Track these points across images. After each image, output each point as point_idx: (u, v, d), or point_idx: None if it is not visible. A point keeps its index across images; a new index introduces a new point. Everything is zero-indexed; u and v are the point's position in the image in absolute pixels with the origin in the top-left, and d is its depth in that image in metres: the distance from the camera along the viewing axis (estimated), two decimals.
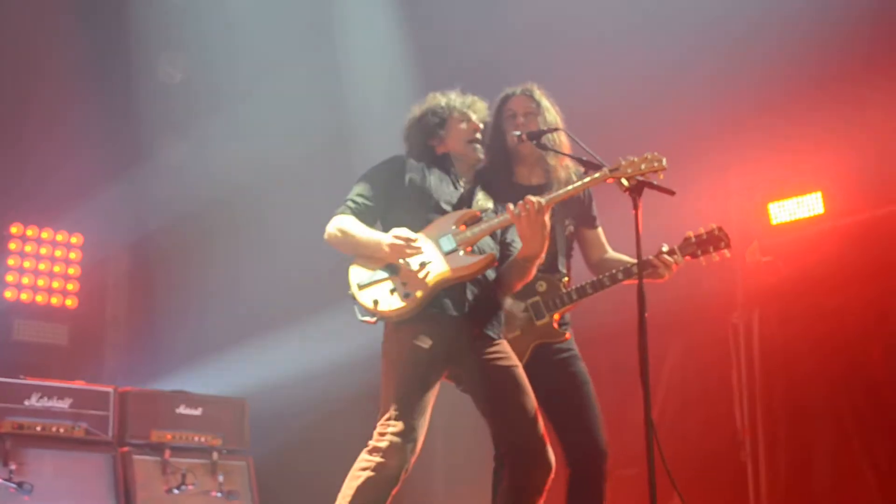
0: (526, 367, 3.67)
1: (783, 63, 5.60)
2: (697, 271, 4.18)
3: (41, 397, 5.38)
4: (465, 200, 3.81)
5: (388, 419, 3.34)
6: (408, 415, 3.35)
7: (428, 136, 3.83)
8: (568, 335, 3.95)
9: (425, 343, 3.48)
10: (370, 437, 3.41)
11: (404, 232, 3.61)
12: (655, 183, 3.37)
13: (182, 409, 5.77)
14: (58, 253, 6.54)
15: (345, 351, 5.95)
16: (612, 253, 4.12)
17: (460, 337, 3.54)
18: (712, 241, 3.88)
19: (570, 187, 3.55)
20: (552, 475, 3.50)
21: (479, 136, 3.89)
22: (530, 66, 6.36)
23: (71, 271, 6.57)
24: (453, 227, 3.70)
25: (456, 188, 3.85)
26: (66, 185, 6.39)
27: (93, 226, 6.58)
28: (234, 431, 5.92)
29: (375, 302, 3.56)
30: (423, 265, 3.58)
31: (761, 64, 5.69)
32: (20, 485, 5.08)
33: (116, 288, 6.92)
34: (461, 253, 3.62)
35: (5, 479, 5.05)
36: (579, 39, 6.09)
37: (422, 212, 3.75)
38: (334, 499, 3.44)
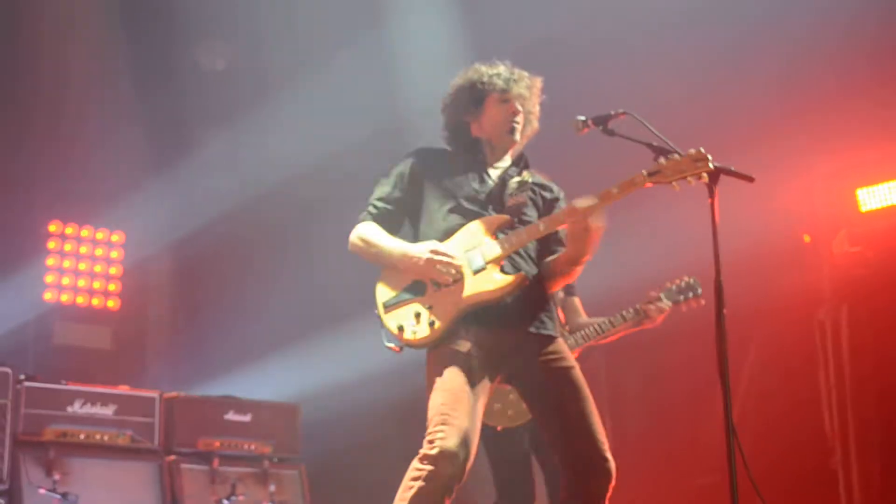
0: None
1: (871, 42, 5.58)
2: (779, 265, 4.21)
3: (84, 403, 5.57)
4: (495, 198, 3.75)
5: (436, 426, 3.36)
6: (455, 421, 3.37)
7: (462, 114, 3.80)
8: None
9: (464, 347, 3.51)
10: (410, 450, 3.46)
11: (443, 247, 3.62)
12: (733, 169, 3.33)
13: (231, 416, 5.94)
14: (99, 252, 6.77)
15: (398, 354, 6.03)
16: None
17: (506, 339, 3.57)
18: (688, 289, 4.70)
19: (613, 189, 3.52)
20: (613, 483, 3.51)
21: (518, 121, 3.81)
22: (598, 46, 6.44)
23: (113, 271, 6.80)
24: (484, 238, 3.68)
25: (483, 181, 3.78)
26: (107, 181, 6.61)
27: (135, 223, 6.80)
28: (285, 438, 6.07)
29: (400, 328, 3.60)
30: (451, 288, 3.59)
31: (848, 43, 5.65)
32: (65, 496, 5.25)
33: (159, 288, 7.14)
34: (492, 273, 3.60)
35: (49, 490, 5.23)
36: (652, 17, 6.13)
37: (440, 214, 3.74)
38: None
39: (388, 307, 3.65)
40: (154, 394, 5.74)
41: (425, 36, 6.91)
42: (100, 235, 6.74)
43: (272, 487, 5.82)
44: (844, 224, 5.91)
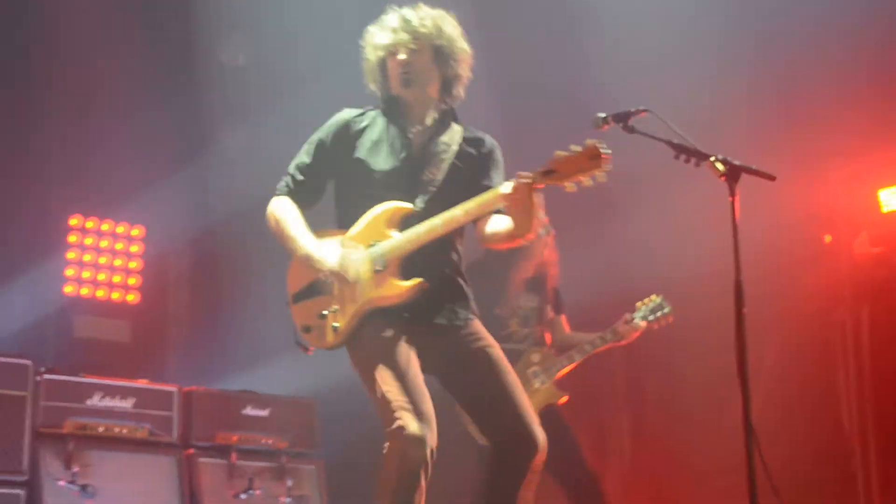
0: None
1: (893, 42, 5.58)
2: (799, 265, 4.22)
3: (104, 397, 5.63)
4: (412, 170, 3.65)
5: (390, 418, 3.33)
6: (405, 403, 3.35)
7: (377, 85, 3.79)
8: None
9: (388, 332, 3.49)
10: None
11: (341, 250, 3.58)
12: (754, 168, 3.34)
13: (249, 410, 5.99)
14: (119, 246, 6.81)
15: None
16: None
17: (415, 333, 3.55)
18: (657, 308, 5.17)
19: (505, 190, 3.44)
20: (541, 455, 3.53)
21: (407, 70, 3.68)
22: (620, 43, 6.47)
23: (132, 265, 6.83)
24: (388, 231, 3.62)
25: (400, 149, 3.68)
26: (127, 175, 6.67)
27: (155, 218, 6.86)
28: (303, 433, 6.12)
29: (306, 329, 3.63)
30: (352, 288, 3.57)
31: (874, 43, 5.70)
32: (84, 487, 5.33)
33: (179, 282, 7.19)
34: (389, 277, 3.56)
35: (69, 482, 5.30)
36: (678, 15, 6.16)
37: (352, 194, 3.68)
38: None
39: (297, 300, 3.67)
40: (173, 388, 5.79)
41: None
42: (120, 229, 6.79)
43: (290, 482, 5.86)
44: (866, 225, 5.92)
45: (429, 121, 3.74)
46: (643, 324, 5.15)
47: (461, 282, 3.71)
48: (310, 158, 3.73)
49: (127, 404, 5.67)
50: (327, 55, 7.03)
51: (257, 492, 5.68)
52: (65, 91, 6.70)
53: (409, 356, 3.47)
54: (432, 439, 3.33)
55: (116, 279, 6.76)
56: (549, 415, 4.93)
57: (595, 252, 6.20)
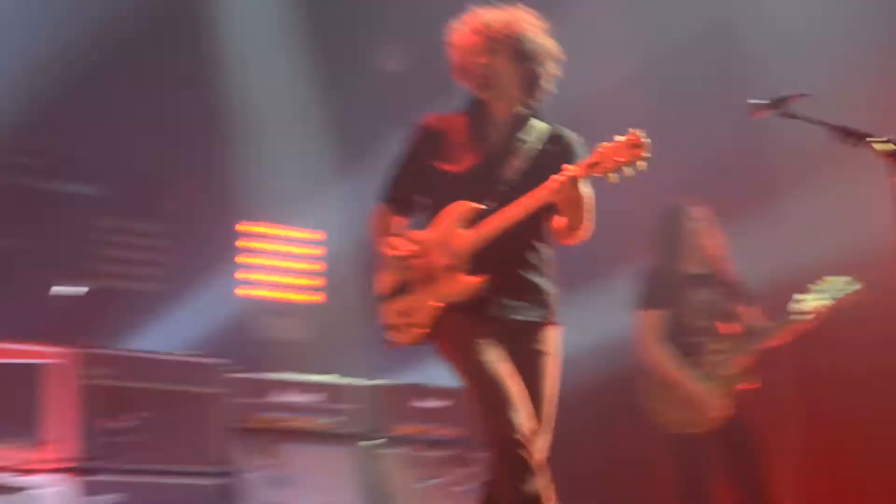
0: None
1: None
2: None
3: (288, 392, 6.13)
4: (493, 164, 3.80)
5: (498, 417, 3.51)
6: (501, 411, 3.54)
7: (455, 80, 3.93)
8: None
9: (463, 329, 3.70)
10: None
11: (399, 240, 3.78)
12: None
13: (430, 402, 6.41)
14: (297, 249, 7.61)
15: (596, 336, 6.43)
16: None
17: (489, 328, 3.72)
18: (845, 286, 5.30)
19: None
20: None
21: (477, 72, 3.80)
22: (768, 27, 6.57)
23: (314, 267, 7.65)
24: (457, 229, 3.79)
25: (481, 148, 3.83)
26: (303, 181, 7.30)
27: (331, 221, 7.52)
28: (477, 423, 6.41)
29: (391, 327, 3.86)
30: (427, 287, 3.77)
31: None
32: (275, 479, 5.80)
33: (356, 282, 7.65)
34: (457, 273, 3.74)
35: (260, 475, 5.81)
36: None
37: (438, 191, 3.85)
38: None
39: (385, 301, 3.89)
40: (353, 381, 6.26)
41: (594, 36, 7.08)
42: (298, 234, 7.50)
43: (468, 471, 6.20)
44: None
45: (508, 120, 3.88)
46: (827, 303, 5.26)
47: (535, 280, 3.84)
48: (400, 169, 3.95)
49: (310, 399, 6.14)
50: None
51: (439, 480, 6.07)
52: (237, 105, 7.37)
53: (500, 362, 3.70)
54: (529, 446, 3.60)
55: (296, 281, 7.42)
56: (738, 430, 5.37)
57: (761, 240, 6.32)
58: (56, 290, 6.48)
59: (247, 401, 6.12)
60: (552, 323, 3.85)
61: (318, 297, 7.35)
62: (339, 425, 6.08)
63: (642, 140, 3.44)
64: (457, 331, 3.73)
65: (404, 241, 3.85)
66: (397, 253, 3.82)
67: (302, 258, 7.45)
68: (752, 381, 5.46)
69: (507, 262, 3.79)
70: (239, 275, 7.60)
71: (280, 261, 7.48)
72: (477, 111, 3.90)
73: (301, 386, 6.17)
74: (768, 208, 6.52)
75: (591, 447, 6.96)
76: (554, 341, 3.87)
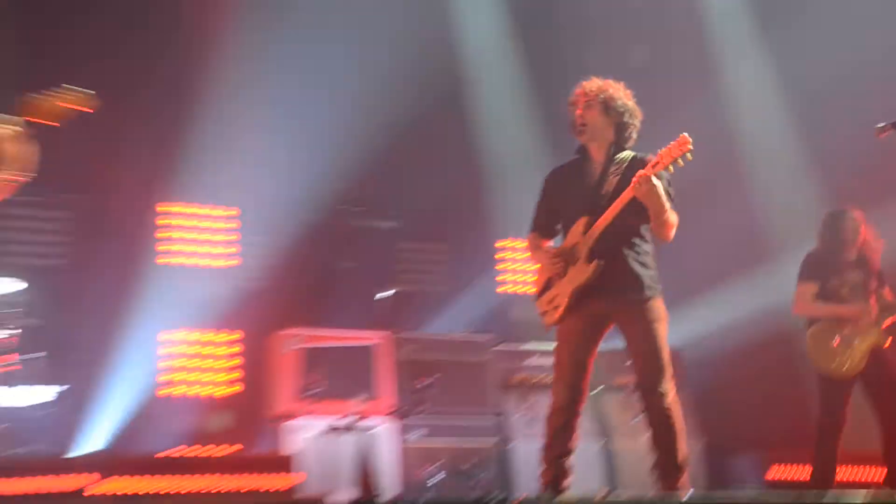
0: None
1: None
2: None
3: (539, 357, 6.99)
4: (596, 188, 4.25)
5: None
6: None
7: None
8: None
9: (583, 308, 4.32)
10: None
11: (550, 251, 4.35)
12: None
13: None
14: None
15: (758, 303, 6.75)
16: None
17: (605, 305, 4.29)
18: None
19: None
20: (667, 399, 4.21)
21: (574, 122, 4.27)
22: None
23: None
24: (579, 236, 4.28)
25: (586, 182, 4.29)
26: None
27: None
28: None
29: (544, 313, 4.40)
30: (563, 279, 4.27)
31: None
32: (532, 419, 6.69)
33: None
34: (582, 264, 4.23)
35: (521, 415, 6.81)
36: None
37: (565, 216, 4.37)
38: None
39: (538, 295, 4.48)
40: None
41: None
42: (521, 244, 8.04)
43: None
44: None
45: (605, 157, 4.36)
46: None
47: (637, 265, 4.30)
48: (537, 209, 4.57)
49: (553, 360, 6.58)
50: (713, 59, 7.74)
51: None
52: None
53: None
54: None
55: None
56: (880, 375, 5.68)
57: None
58: (378, 295, 7.02)
59: (508, 364, 6.97)
60: (651, 298, 4.29)
61: None
62: None
63: (688, 140, 4.01)
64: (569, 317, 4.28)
65: (548, 254, 4.45)
66: (545, 262, 4.40)
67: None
68: (886, 341, 5.77)
69: (615, 252, 4.28)
70: (499, 277, 8.55)
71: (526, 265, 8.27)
72: (582, 152, 4.47)
73: (544, 352, 6.72)
74: None
75: (758, 393, 7.29)
76: (655, 310, 4.29)
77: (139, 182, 7.47)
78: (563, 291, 4.37)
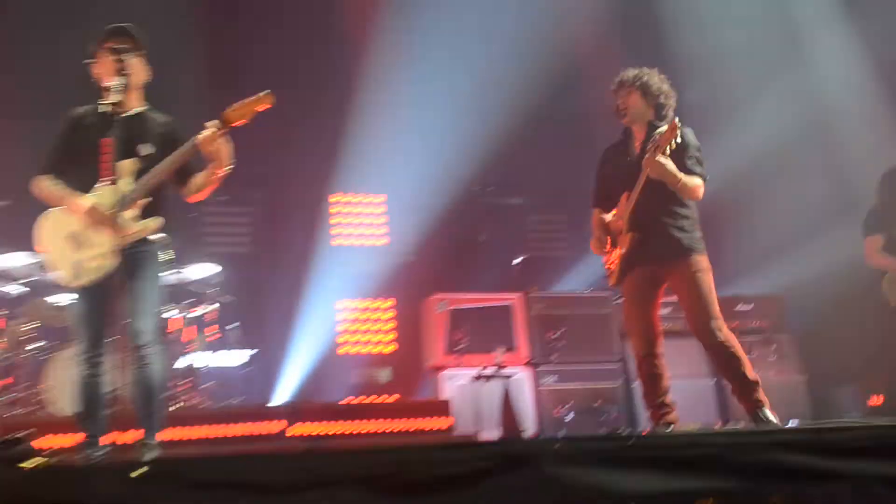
0: None
1: None
2: None
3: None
4: (637, 166, 4.43)
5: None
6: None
7: None
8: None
9: (637, 270, 4.57)
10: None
11: (602, 223, 4.59)
12: None
13: (740, 307, 7.42)
14: None
15: (851, 253, 6.90)
16: None
17: (652, 267, 4.55)
18: None
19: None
20: (718, 340, 4.39)
21: (620, 108, 4.52)
22: None
23: None
24: (624, 204, 4.52)
25: (631, 158, 4.52)
26: None
27: None
28: (778, 318, 7.46)
29: (607, 272, 4.68)
30: (614, 249, 4.58)
31: None
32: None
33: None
34: (625, 233, 4.48)
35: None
36: None
37: (614, 187, 4.58)
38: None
39: (602, 257, 4.78)
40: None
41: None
42: None
43: (773, 347, 7.31)
44: None
45: (644, 135, 4.62)
46: None
47: (674, 231, 4.49)
48: (593, 186, 4.86)
49: (665, 311, 6.69)
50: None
51: (755, 354, 7.07)
52: None
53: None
54: None
55: None
56: None
57: None
58: (514, 261, 7.57)
59: None
60: (691, 254, 4.47)
61: None
62: (684, 325, 6.48)
63: (677, 125, 4.23)
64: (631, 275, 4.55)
65: (599, 226, 4.72)
66: (597, 234, 4.70)
67: None
68: None
69: (656, 216, 4.51)
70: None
71: None
72: (626, 134, 4.75)
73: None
74: None
75: (855, 331, 7.40)
76: (696, 263, 4.46)
77: (310, 175, 8.14)
78: (616, 258, 4.68)
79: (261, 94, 4.06)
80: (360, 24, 8.02)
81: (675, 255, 4.51)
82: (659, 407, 4.59)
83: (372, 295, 8.19)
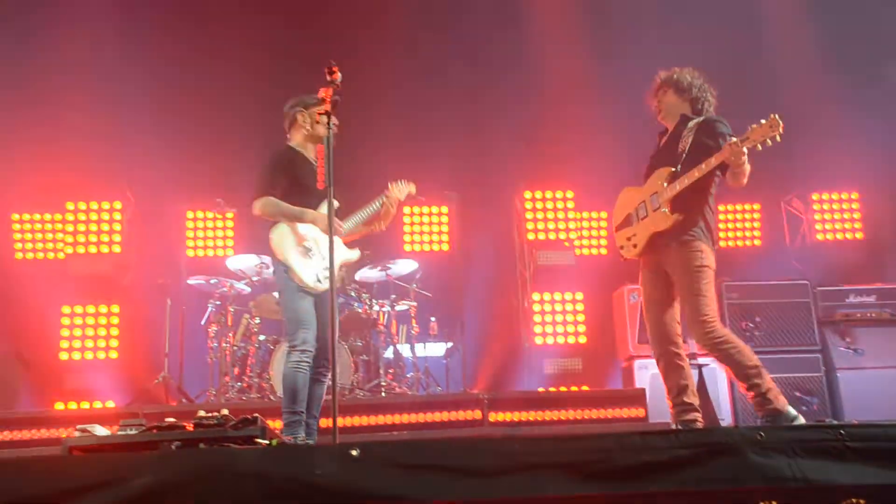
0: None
1: None
2: None
3: (856, 296, 7.26)
4: (673, 147, 4.41)
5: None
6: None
7: None
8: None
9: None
10: None
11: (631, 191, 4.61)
12: None
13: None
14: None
15: None
16: None
17: (658, 253, 4.48)
18: None
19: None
20: (708, 338, 4.30)
21: (658, 107, 4.60)
22: None
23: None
24: (661, 185, 4.43)
25: (669, 140, 4.50)
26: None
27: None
28: None
29: (621, 247, 4.63)
30: (641, 222, 4.49)
31: None
32: (854, 350, 7.10)
33: None
34: (663, 210, 4.37)
35: (845, 348, 7.08)
36: None
37: (647, 169, 4.60)
38: None
39: (617, 228, 4.74)
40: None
41: None
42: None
43: None
44: None
45: (679, 125, 4.58)
46: None
47: (698, 217, 4.40)
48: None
49: (871, 298, 7.17)
50: None
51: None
52: None
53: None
54: None
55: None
56: None
57: None
58: None
59: (829, 303, 7.24)
60: (688, 242, 4.37)
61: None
62: (891, 315, 6.92)
63: (779, 122, 4.00)
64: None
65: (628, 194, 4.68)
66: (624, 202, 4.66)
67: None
68: None
69: (694, 204, 4.40)
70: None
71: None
72: (664, 131, 4.72)
73: (861, 291, 7.18)
74: None
75: None
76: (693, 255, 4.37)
77: (502, 176, 8.33)
78: (644, 232, 4.57)
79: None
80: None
81: (677, 243, 4.44)
82: (676, 405, 4.54)
83: (561, 289, 8.18)
